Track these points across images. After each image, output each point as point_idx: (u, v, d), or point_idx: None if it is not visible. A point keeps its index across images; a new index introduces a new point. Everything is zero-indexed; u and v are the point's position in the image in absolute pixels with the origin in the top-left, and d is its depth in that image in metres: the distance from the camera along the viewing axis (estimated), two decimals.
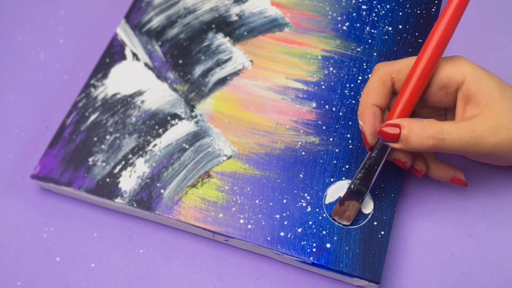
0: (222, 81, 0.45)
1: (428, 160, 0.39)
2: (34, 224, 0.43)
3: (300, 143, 0.42)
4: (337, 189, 0.39)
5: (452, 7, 0.35)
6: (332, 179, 0.40)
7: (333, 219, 0.38)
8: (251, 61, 0.46)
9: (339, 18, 0.47)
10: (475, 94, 0.35)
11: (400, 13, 0.46)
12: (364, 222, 0.38)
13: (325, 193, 0.39)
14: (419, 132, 0.35)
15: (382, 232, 0.37)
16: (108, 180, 0.41)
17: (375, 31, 0.46)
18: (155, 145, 0.43)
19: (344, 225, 0.38)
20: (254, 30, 0.47)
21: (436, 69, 0.37)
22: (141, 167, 0.42)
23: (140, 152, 0.42)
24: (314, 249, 0.37)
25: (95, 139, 0.43)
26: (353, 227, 0.38)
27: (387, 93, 0.38)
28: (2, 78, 0.50)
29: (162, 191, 0.40)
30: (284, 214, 0.39)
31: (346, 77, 0.44)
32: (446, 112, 0.39)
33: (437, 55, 0.36)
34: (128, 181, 0.41)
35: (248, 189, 0.40)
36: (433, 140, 0.34)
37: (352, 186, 0.37)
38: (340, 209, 0.38)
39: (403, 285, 0.38)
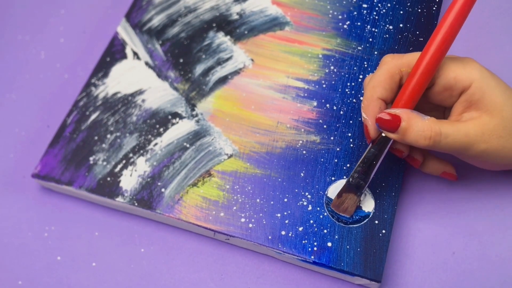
0: (223, 80, 0.45)
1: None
2: (35, 223, 0.43)
3: (301, 142, 0.42)
4: (338, 188, 0.39)
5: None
6: (333, 178, 0.40)
7: (332, 216, 0.38)
8: (252, 60, 0.46)
9: (340, 17, 0.47)
10: (478, 100, 0.35)
11: (401, 12, 0.46)
12: (365, 221, 0.38)
13: (326, 192, 0.39)
14: (419, 130, 0.34)
15: (383, 231, 0.37)
16: (109, 179, 0.41)
17: (376, 30, 0.46)
18: (156, 144, 0.42)
19: (343, 222, 0.38)
20: (254, 29, 0.47)
21: (445, 69, 0.36)
22: (142, 166, 0.42)
23: (141, 151, 0.42)
24: (315, 248, 0.37)
25: (96, 138, 0.43)
26: (354, 225, 0.38)
27: (394, 87, 0.37)
28: (3, 77, 0.50)
29: (163, 190, 0.40)
30: (285, 213, 0.39)
31: (347, 75, 0.44)
32: (445, 109, 0.39)
33: (444, 46, 0.35)
34: (129, 180, 0.41)
35: (249, 188, 0.40)
36: (429, 141, 0.34)
37: (351, 179, 0.37)
38: (337, 200, 0.38)
39: (404, 283, 0.38)
